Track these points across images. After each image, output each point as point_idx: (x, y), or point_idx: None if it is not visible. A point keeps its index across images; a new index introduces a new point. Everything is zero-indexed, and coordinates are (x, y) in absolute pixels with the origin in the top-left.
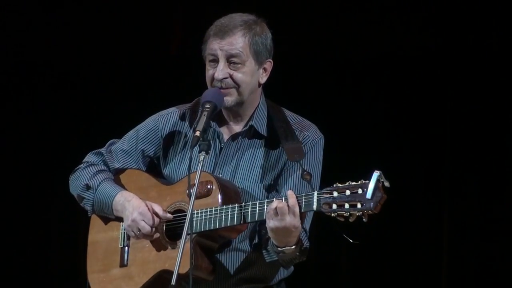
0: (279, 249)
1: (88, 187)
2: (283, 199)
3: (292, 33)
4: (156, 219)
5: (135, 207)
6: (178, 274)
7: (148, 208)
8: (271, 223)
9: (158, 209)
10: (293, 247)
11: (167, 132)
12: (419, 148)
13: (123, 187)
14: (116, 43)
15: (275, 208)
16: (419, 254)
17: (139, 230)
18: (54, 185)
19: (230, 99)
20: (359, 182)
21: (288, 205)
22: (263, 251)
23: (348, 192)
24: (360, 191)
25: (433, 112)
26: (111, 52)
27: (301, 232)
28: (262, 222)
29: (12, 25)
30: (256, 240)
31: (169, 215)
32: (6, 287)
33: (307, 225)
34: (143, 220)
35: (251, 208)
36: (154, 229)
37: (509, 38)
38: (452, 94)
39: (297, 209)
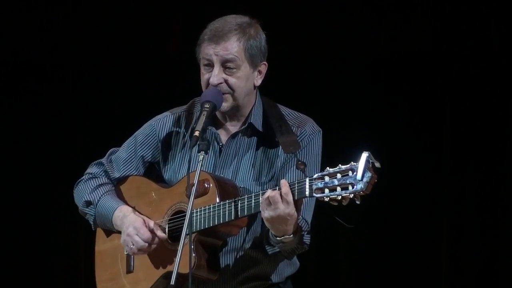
0: (277, 238)
1: (88, 203)
2: (276, 188)
3: (292, 33)
4: (150, 235)
5: (131, 222)
6: (181, 275)
7: (144, 224)
8: (265, 213)
9: (153, 225)
10: (291, 236)
11: (164, 135)
12: (419, 148)
13: (124, 194)
14: (116, 43)
15: (268, 198)
16: (419, 255)
17: (133, 244)
18: (55, 194)
19: (225, 105)
20: (349, 165)
21: (281, 194)
22: (265, 244)
23: (339, 176)
24: (350, 173)
25: (433, 112)
26: (110, 52)
27: (301, 221)
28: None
29: (11, 25)
30: (260, 238)
31: (163, 234)
32: None
33: (308, 216)
34: (137, 235)
35: (247, 201)
36: (148, 244)
37: (509, 38)
38: (451, 94)
39: (290, 197)
